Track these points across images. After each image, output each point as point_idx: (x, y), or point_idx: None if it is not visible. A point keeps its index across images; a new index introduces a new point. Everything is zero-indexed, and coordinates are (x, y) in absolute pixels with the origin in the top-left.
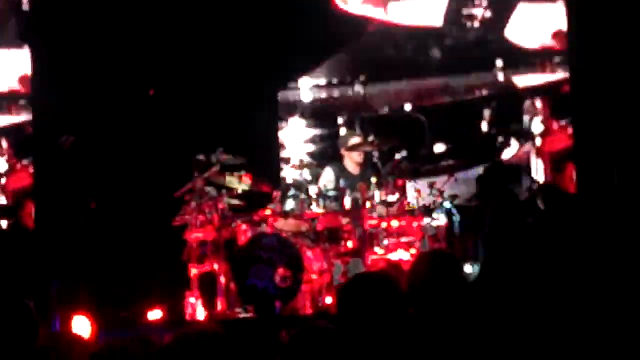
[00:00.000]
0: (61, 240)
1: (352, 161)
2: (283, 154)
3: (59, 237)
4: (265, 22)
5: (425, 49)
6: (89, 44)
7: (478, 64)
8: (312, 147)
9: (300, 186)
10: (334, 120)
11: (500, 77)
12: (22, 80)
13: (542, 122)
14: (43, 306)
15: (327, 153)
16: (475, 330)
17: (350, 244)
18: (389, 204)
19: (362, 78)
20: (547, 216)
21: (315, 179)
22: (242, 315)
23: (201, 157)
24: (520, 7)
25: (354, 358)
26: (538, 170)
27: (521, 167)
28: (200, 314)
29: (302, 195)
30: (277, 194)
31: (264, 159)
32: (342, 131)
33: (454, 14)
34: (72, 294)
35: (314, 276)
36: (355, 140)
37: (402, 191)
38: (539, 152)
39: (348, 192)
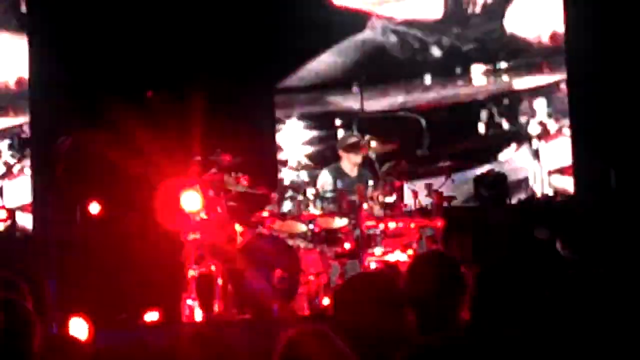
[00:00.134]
0: (58, 242)
1: (350, 162)
2: (280, 155)
3: (56, 238)
4: (262, 22)
5: (423, 50)
6: (87, 42)
7: (475, 65)
8: (309, 149)
9: (297, 188)
10: (332, 121)
11: (498, 78)
12: (18, 81)
13: (540, 123)
14: (40, 308)
15: (324, 155)
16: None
17: (347, 245)
18: (386, 206)
19: (360, 79)
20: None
21: (313, 180)
22: (240, 317)
23: (198, 158)
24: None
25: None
26: (535, 174)
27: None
28: (198, 315)
29: (300, 197)
30: (274, 195)
31: (262, 161)
32: (340, 133)
33: (454, 3)
34: (69, 296)
35: (311, 278)
36: (353, 141)
37: (400, 193)
38: (536, 154)
39: (348, 194)
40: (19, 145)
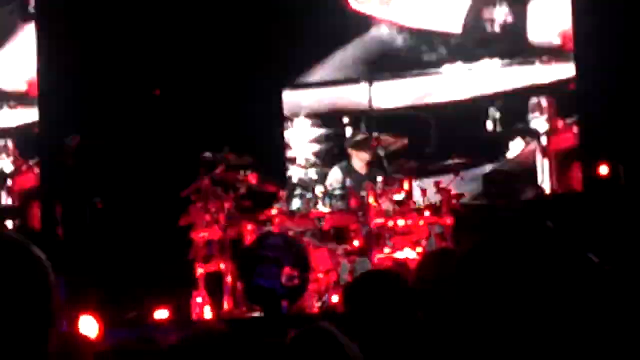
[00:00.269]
0: (67, 240)
1: (359, 160)
2: (289, 153)
3: (65, 237)
4: (271, 20)
5: (431, 47)
6: (95, 40)
7: (484, 62)
8: (317, 147)
9: (306, 185)
10: (340, 119)
11: (506, 75)
12: (31, 83)
13: (548, 120)
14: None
15: (332, 152)
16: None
17: (356, 243)
18: (395, 203)
19: (368, 77)
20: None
21: (322, 178)
22: (249, 314)
23: (208, 156)
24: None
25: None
26: (544, 170)
27: (523, 174)
28: (207, 313)
29: (309, 195)
30: (283, 193)
31: (270, 159)
32: (348, 130)
33: (472, 19)
34: (79, 295)
35: (320, 275)
36: (361, 139)
37: (409, 190)
38: (544, 151)
39: (358, 191)
40: (28, 143)
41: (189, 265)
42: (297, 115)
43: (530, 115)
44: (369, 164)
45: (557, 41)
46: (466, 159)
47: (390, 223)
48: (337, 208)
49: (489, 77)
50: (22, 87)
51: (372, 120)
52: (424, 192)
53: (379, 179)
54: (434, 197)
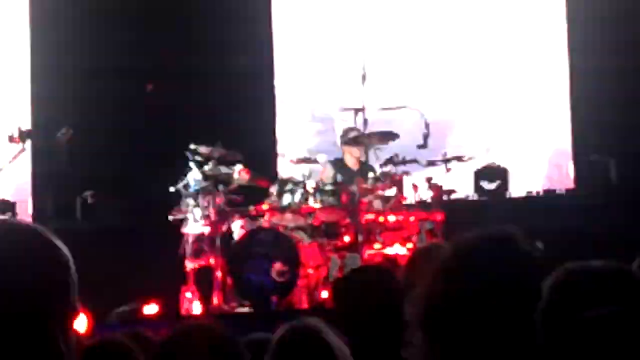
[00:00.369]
0: (57, 234)
1: (352, 156)
2: (280, 149)
3: (55, 231)
4: (263, 12)
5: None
6: (88, 35)
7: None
8: (308, 143)
9: (297, 181)
10: (332, 115)
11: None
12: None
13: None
14: None
15: (324, 148)
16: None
17: (347, 238)
18: (386, 199)
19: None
20: None
21: (313, 174)
22: (238, 310)
23: (198, 150)
24: None
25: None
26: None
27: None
28: (197, 308)
29: (300, 190)
30: (274, 188)
31: (262, 154)
32: (340, 126)
33: None
34: None
35: (310, 271)
36: (354, 135)
37: (400, 186)
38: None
39: (348, 186)
40: (19, 137)
41: (178, 260)
42: (289, 110)
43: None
44: (361, 160)
45: None
46: (457, 154)
47: (381, 219)
48: (328, 204)
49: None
50: None
51: (363, 116)
52: (415, 187)
53: (370, 175)
54: (425, 193)
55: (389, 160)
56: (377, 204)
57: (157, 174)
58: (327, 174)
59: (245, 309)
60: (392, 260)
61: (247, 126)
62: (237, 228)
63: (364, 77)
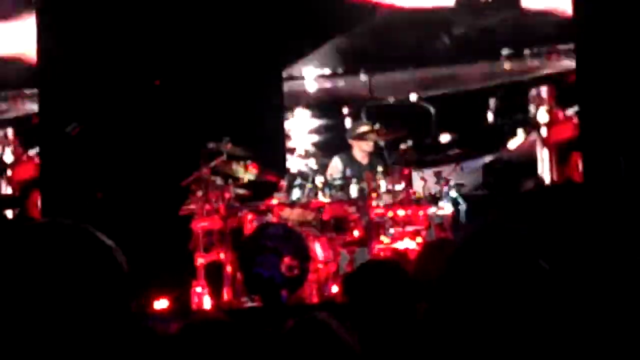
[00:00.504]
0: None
1: (360, 150)
2: (289, 144)
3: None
4: (271, 8)
5: (432, 38)
6: (96, 31)
7: (485, 53)
8: (317, 137)
9: (306, 176)
10: (340, 110)
11: (507, 66)
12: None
13: (548, 111)
14: None
15: (332, 143)
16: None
17: (356, 233)
18: (395, 193)
19: (368, 67)
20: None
21: (322, 168)
22: (249, 304)
23: (208, 146)
24: None
25: (360, 347)
26: (544, 160)
27: (523, 165)
28: (207, 303)
29: (309, 185)
30: (283, 183)
31: (270, 149)
32: (348, 121)
33: None
34: None
35: (320, 265)
36: (363, 129)
37: (408, 180)
38: (545, 142)
39: (354, 181)
40: (28, 133)
41: (188, 255)
42: (297, 105)
43: (531, 106)
44: (370, 155)
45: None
46: (466, 149)
47: (390, 213)
48: (337, 198)
49: (490, 67)
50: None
51: (372, 110)
52: (424, 182)
53: (380, 169)
54: (434, 188)
55: (398, 155)
56: (386, 199)
57: (167, 168)
58: (336, 168)
59: (255, 304)
60: (402, 254)
61: (255, 122)
62: (247, 223)
63: (371, 70)
